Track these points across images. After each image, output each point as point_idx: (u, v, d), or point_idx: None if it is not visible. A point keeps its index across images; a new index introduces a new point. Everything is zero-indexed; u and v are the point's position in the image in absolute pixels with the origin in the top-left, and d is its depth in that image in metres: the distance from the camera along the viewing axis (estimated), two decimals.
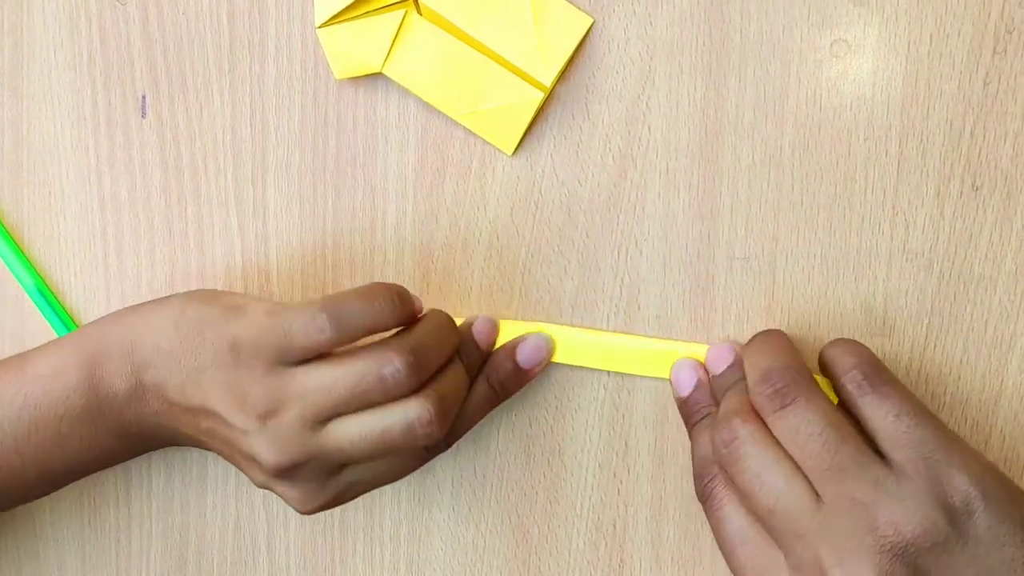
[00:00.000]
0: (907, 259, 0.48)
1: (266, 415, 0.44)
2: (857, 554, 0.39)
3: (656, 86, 0.48)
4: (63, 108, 0.53)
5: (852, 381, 0.43)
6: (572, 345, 0.50)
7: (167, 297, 0.47)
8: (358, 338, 0.44)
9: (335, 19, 0.49)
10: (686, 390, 0.48)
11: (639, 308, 0.50)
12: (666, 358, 0.50)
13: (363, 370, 0.43)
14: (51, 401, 0.46)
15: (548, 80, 0.49)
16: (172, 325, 0.45)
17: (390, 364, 0.43)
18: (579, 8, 0.48)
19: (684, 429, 0.49)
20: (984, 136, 0.46)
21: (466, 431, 0.49)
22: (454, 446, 0.49)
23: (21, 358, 0.48)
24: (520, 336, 0.50)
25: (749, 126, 0.48)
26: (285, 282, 0.52)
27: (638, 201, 0.49)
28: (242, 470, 0.47)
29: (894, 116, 0.47)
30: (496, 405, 0.50)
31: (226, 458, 0.47)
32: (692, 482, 0.50)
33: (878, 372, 0.43)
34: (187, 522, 0.55)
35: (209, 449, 0.47)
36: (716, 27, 0.48)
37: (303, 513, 0.46)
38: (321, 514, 0.54)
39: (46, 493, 0.49)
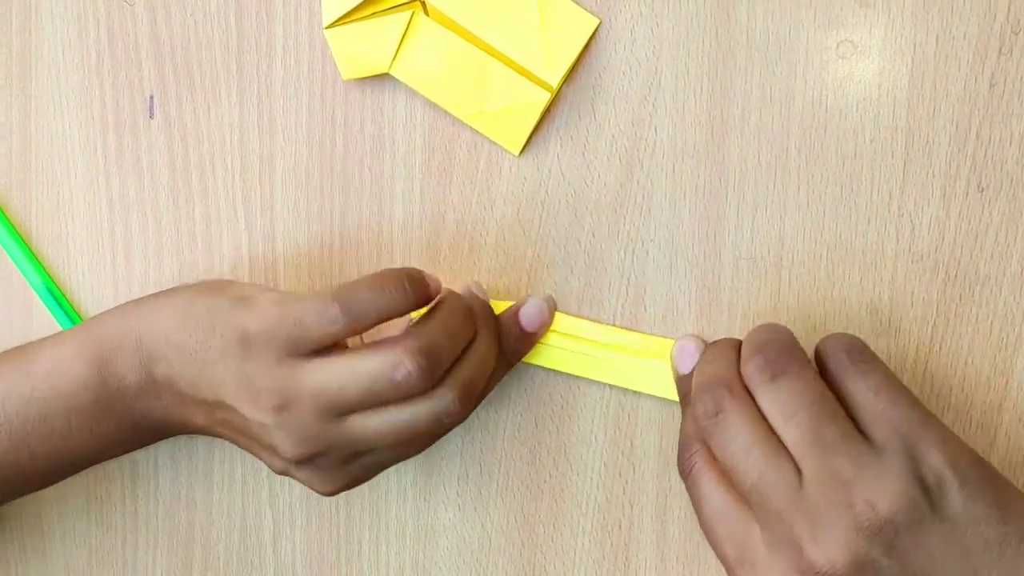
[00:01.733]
0: (913, 260, 0.48)
1: (280, 408, 0.44)
2: (832, 531, 0.39)
3: (662, 87, 0.49)
4: (71, 108, 0.53)
5: (835, 359, 0.43)
6: (576, 359, 0.51)
7: (175, 288, 0.47)
8: (371, 327, 0.44)
9: (342, 20, 0.50)
10: (686, 368, 0.48)
11: (645, 308, 0.50)
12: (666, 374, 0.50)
13: (375, 373, 0.43)
14: (60, 395, 0.46)
15: (555, 81, 0.49)
16: (181, 317, 0.45)
17: (402, 368, 0.43)
18: (586, 9, 0.48)
19: None
20: (990, 137, 0.46)
21: (481, 401, 0.49)
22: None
23: (28, 351, 0.48)
24: (520, 300, 0.50)
25: (755, 127, 0.48)
26: (292, 282, 0.53)
27: (644, 202, 0.49)
28: (260, 458, 0.47)
29: (900, 117, 0.47)
30: (508, 371, 0.50)
31: (242, 447, 0.47)
32: None
33: (861, 351, 0.43)
34: (193, 520, 0.56)
35: (222, 437, 0.47)
36: (723, 28, 0.48)
37: (324, 495, 0.47)
38: (326, 512, 0.54)
39: (54, 482, 0.49)
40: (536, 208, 0.51)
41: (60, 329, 0.54)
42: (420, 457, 0.52)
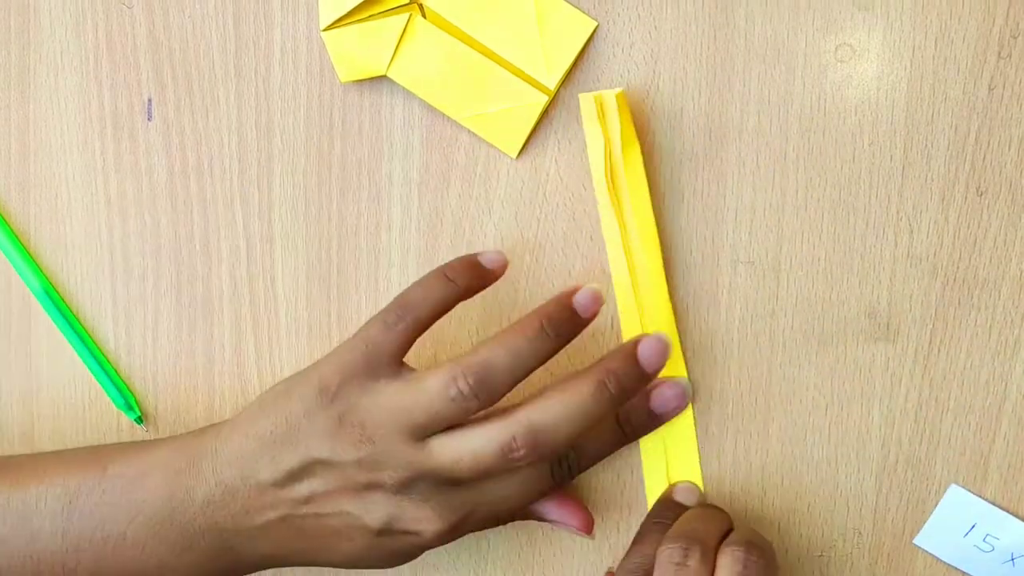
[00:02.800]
0: (911, 264, 0.48)
1: (364, 436, 0.44)
2: None
3: (660, 90, 0.48)
4: (69, 111, 0.53)
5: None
6: None
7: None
8: (427, 325, 0.46)
9: (340, 22, 0.49)
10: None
11: None
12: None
13: (432, 392, 0.44)
14: (128, 503, 0.46)
15: (552, 84, 0.49)
16: (258, 408, 0.47)
17: (453, 386, 0.44)
18: (583, 12, 0.48)
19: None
20: (989, 141, 0.46)
21: (592, 464, 0.49)
22: None
23: (106, 453, 0.48)
24: (659, 380, 0.50)
25: (753, 130, 0.48)
26: (290, 284, 0.53)
27: None
28: (358, 524, 0.46)
29: (898, 121, 0.47)
30: (623, 445, 0.50)
31: (329, 536, 0.46)
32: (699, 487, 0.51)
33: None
34: None
35: (296, 557, 0.47)
36: (720, 31, 0.48)
37: (436, 536, 0.46)
38: None
39: None
40: (534, 211, 0.50)
41: (59, 332, 0.54)
42: None
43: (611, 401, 0.44)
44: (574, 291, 0.45)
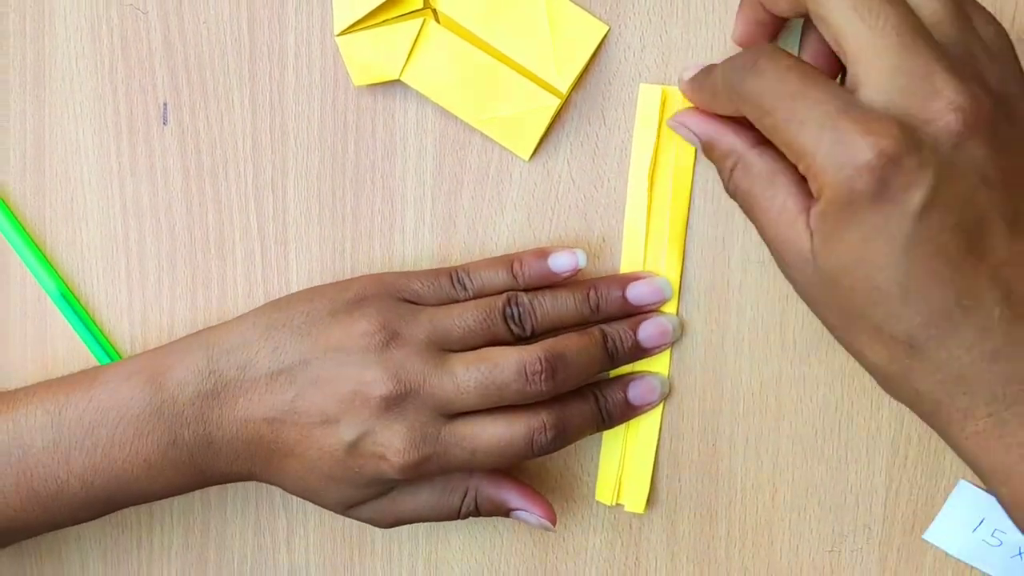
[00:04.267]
0: None
1: (388, 339, 0.46)
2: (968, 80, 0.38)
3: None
4: (85, 115, 0.53)
5: None
6: None
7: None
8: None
9: (354, 27, 0.50)
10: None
11: None
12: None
13: (473, 307, 0.47)
14: (115, 404, 0.47)
15: (564, 87, 0.49)
16: (270, 307, 0.48)
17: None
18: (595, 16, 0.49)
19: (698, 428, 0.51)
20: None
21: (567, 442, 0.49)
22: None
23: (99, 369, 0.49)
24: (635, 373, 0.51)
25: None
26: (304, 286, 0.53)
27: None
28: (333, 435, 0.46)
29: None
30: (599, 430, 0.50)
31: (303, 438, 0.46)
32: (705, 484, 0.51)
33: None
34: (208, 521, 0.56)
35: (263, 466, 0.48)
36: (730, 33, 0.48)
37: (402, 466, 0.46)
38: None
39: (79, 519, 0.49)
40: (546, 213, 0.51)
41: (75, 334, 0.54)
42: None
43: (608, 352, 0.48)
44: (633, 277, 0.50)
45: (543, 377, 0.45)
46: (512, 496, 0.50)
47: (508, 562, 0.54)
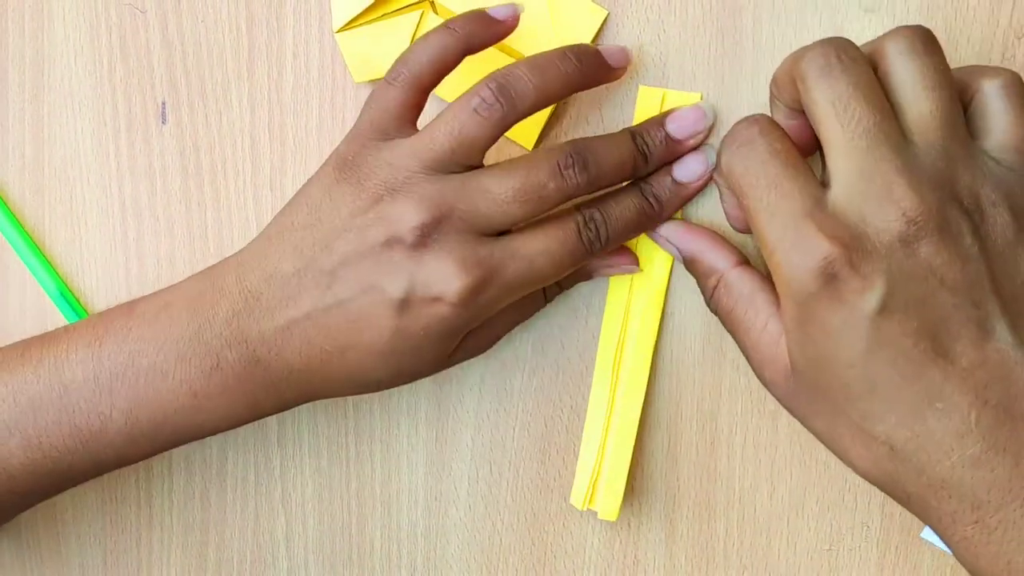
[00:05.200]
0: None
1: (387, 190, 0.44)
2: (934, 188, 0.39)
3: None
4: (84, 114, 0.54)
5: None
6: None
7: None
8: (431, 80, 0.46)
9: (353, 23, 0.50)
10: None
11: None
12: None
13: (454, 111, 0.44)
14: (155, 331, 0.45)
15: None
16: (279, 216, 0.47)
17: (475, 97, 0.44)
18: (593, 1, 0.49)
19: (696, 427, 0.51)
20: None
21: (619, 238, 0.47)
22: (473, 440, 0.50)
23: (132, 302, 0.47)
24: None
25: None
26: None
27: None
28: (379, 299, 0.44)
29: None
30: (649, 219, 0.48)
31: (352, 322, 0.44)
32: (704, 483, 0.51)
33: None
34: (207, 519, 0.56)
35: (323, 370, 0.45)
36: (728, 34, 0.48)
37: (461, 299, 0.43)
38: (339, 512, 0.55)
39: (125, 458, 0.47)
40: None
41: None
42: (431, 456, 0.53)
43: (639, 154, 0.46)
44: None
45: (576, 169, 0.44)
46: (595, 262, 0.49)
47: (506, 561, 0.54)
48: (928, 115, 0.39)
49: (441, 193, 0.43)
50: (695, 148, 0.48)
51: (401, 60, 0.45)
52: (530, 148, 0.50)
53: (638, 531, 0.52)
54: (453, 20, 0.45)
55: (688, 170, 0.48)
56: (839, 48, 0.40)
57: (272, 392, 0.46)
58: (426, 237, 0.43)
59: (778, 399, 0.43)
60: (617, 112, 0.50)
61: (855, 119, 0.39)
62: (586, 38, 0.49)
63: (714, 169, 0.47)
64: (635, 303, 0.50)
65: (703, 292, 0.47)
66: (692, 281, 0.49)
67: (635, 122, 0.49)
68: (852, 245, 0.38)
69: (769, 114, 0.43)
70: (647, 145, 0.47)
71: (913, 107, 0.40)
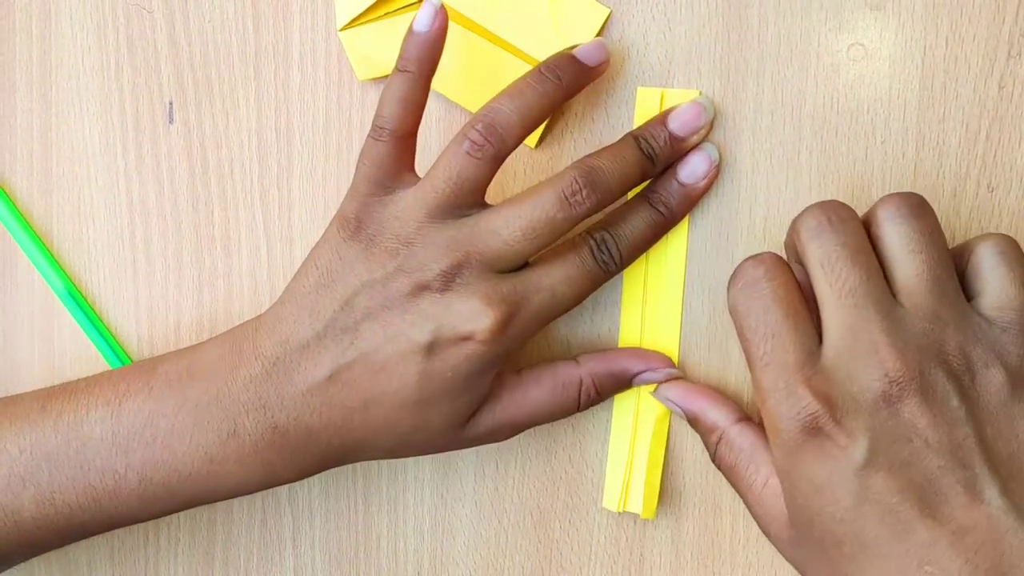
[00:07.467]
0: None
1: (401, 243, 0.44)
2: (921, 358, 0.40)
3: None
4: (91, 114, 0.54)
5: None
6: None
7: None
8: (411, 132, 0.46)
9: (356, 21, 0.50)
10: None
11: None
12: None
13: (448, 157, 0.44)
14: (175, 392, 0.45)
15: None
16: (292, 282, 0.46)
17: (464, 140, 0.44)
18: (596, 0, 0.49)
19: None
20: (999, 138, 0.47)
21: (633, 254, 0.47)
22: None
23: (155, 359, 0.48)
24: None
25: (767, 129, 0.49)
26: None
27: None
28: (405, 348, 0.44)
29: (910, 119, 0.48)
30: (661, 228, 0.48)
31: (376, 374, 0.44)
32: (710, 478, 0.51)
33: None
34: (214, 518, 0.56)
35: (344, 432, 0.45)
36: (734, 31, 0.48)
37: (491, 336, 0.43)
38: (345, 509, 0.55)
39: (137, 517, 0.47)
40: None
41: (82, 332, 0.55)
42: (437, 455, 0.53)
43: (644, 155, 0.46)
44: (577, 47, 0.47)
45: (584, 194, 0.43)
46: (631, 362, 0.49)
47: (512, 559, 0.54)
48: (915, 277, 0.41)
49: (455, 239, 0.44)
50: (697, 145, 0.48)
51: (377, 115, 0.45)
52: (533, 147, 0.51)
53: (644, 528, 0.53)
54: (403, 60, 0.45)
55: (693, 170, 0.48)
56: (831, 210, 0.41)
57: (289, 459, 0.46)
58: (450, 281, 0.44)
59: (783, 555, 0.44)
60: (622, 110, 0.50)
61: (841, 278, 0.40)
62: (587, 37, 0.49)
63: (718, 165, 0.48)
64: (649, 305, 0.50)
65: (707, 448, 0.47)
66: (703, 280, 0.49)
67: (635, 124, 0.49)
68: (836, 402, 0.39)
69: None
70: (652, 148, 0.47)
71: (900, 269, 0.41)
